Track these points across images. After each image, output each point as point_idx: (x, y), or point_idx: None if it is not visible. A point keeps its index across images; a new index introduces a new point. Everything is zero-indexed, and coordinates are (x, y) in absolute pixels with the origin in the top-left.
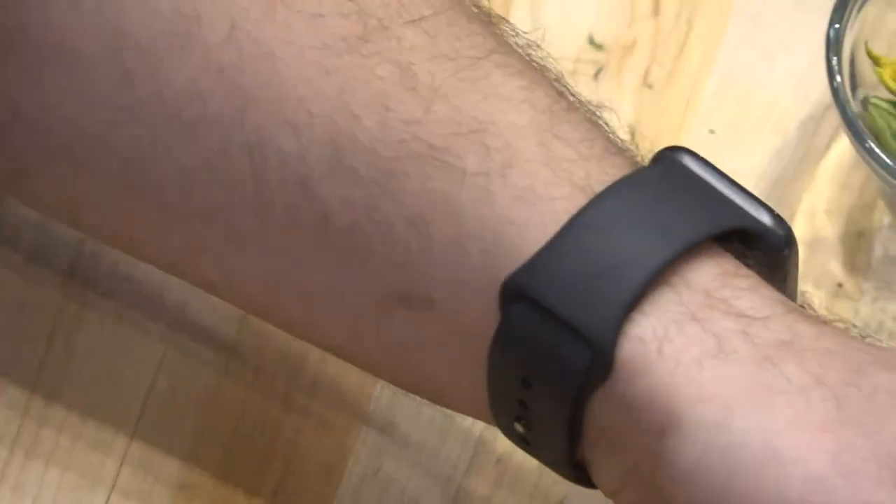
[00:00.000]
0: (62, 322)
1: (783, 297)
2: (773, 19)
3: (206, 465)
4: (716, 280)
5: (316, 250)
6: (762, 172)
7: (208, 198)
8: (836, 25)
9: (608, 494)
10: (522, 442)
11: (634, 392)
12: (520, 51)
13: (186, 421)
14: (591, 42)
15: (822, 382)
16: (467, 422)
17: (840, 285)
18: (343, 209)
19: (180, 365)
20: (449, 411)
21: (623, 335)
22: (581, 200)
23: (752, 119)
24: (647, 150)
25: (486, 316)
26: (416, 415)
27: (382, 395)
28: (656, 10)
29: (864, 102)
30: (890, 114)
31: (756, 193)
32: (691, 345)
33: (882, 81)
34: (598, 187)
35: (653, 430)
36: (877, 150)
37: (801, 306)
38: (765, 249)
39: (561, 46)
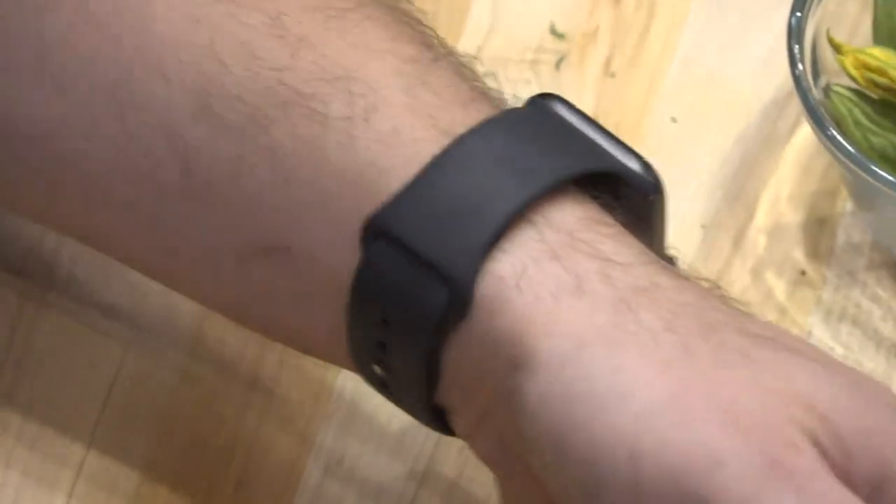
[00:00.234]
0: (21, 323)
1: (647, 249)
2: (735, 7)
3: (166, 465)
4: (580, 223)
5: (179, 200)
6: (724, 159)
7: (75, 146)
8: (798, 13)
9: (464, 439)
10: (382, 386)
11: (491, 329)
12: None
13: (145, 421)
14: (553, 31)
15: (672, 330)
16: None
17: (803, 272)
18: (208, 158)
19: (139, 366)
20: None
21: (482, 273)
22: (444, 143)
23: (714, 106)
24: None
25: (347, 259)
26: (378, 404)
27: (345, 386)
28: None
29: (826, 90)
30: (851, 101)
31: (718, 180)
32: (550, 281)
33: (844, 69)
34: (462, 130)
35: (506, 366)
36: (838, 137)
37: (670, 260)
38: (632, 195)
39: (523, 36)
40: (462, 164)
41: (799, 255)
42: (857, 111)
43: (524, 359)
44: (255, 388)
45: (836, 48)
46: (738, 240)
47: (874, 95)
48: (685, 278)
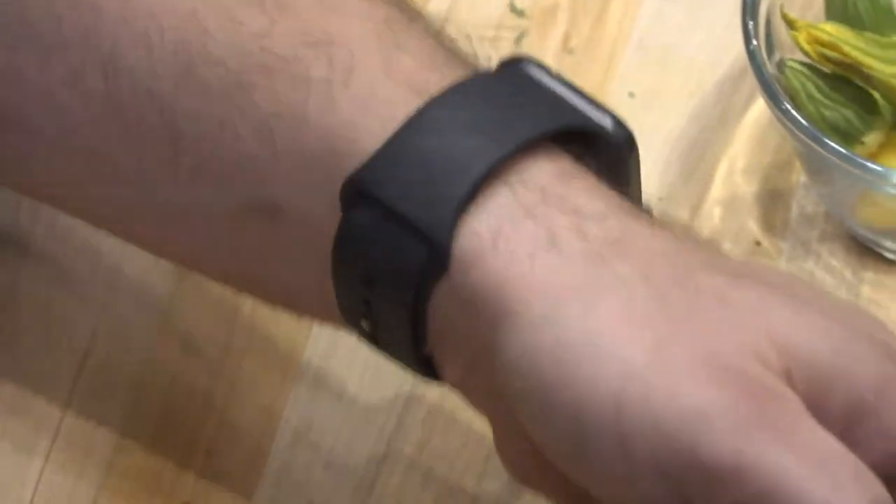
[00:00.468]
0: None
1: (620, 199)
2: None
3: (140, 432)
4: (553, 178)
5: (169, 166)
6: (681, 133)
7: (67, 118)
8: None
9: (454, 388)
10: (372, 340)
11: (470, 285)
12: None
13: (120, 389)
14: (513, 8)
15: (648, 281)
16: (399, 374)
17: (758, 243)
18: (194, 124)
19: (113, 335)
20: (381, 362)
21: (459, 230)
22: (419, 104)
23: (671, 81)
24: None
25: (330, 219)
26: (348, 369)
27: (311, 359)
28: None
29: (780, 65)
30: (804, 76)
31: (675, 153)
32: (525, 239)
33: (797, 44)
34: (437, 91)
35: (487, 322)
36: (792, 111)
37: (647, 212)
38: (605, 152)
39: (483, 13)
40: (437, 125)
41: (754, 227)
42: (810, 85)
43: (503, 316)
44: (226, 360)
45: (790, 24)
46: (695, 212)
47: (827, 70)
48: (660, 226)
